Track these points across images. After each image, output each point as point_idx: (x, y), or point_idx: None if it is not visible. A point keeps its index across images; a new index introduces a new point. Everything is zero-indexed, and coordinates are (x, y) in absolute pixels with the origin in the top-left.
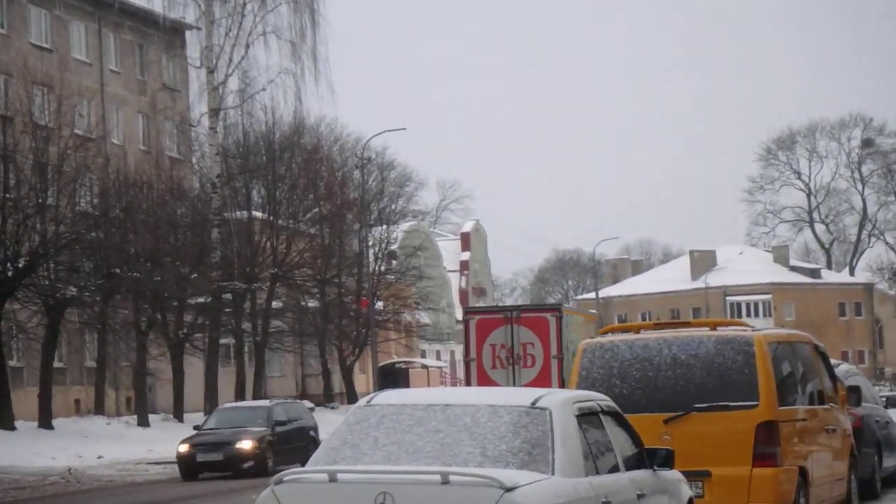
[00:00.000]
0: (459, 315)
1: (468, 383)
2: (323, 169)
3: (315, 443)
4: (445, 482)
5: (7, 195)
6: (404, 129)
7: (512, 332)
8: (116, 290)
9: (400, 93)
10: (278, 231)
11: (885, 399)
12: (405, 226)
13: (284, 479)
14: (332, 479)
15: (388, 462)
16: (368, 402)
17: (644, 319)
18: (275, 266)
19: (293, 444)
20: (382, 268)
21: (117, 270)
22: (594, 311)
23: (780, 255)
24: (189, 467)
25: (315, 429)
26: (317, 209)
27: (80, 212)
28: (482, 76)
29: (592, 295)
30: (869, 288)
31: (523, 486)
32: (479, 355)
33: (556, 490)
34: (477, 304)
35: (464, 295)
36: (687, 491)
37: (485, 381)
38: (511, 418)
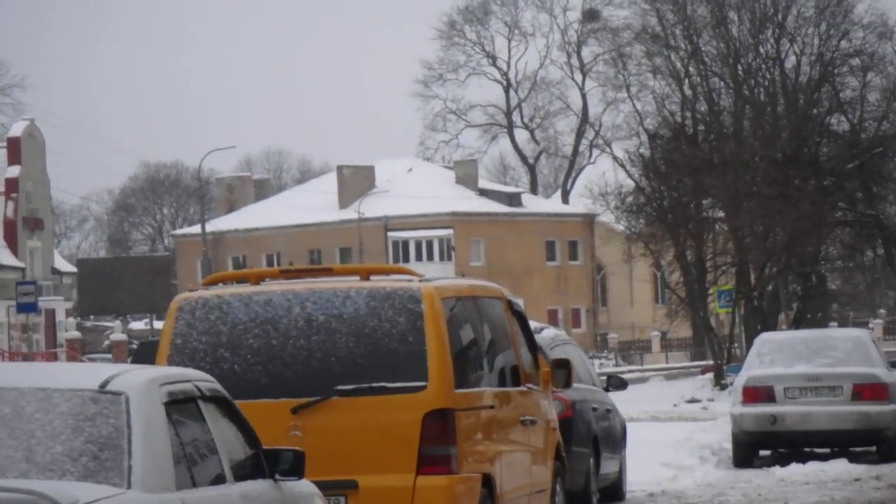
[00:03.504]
0: (3, 258)
1: None
2: None
3: None
4: None
5: None
6: None
7: None
8: None
9: None
10: None
11: (605, 378)
12: None
13: None
14: None
15: None
16: None
17: (271, 264)
18: None
19: None
20: None
21: None
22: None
23: (466, 174)
24: None
25: None
26: None
27: None
28: None
29: (197, 229)
30: (589, 220)
31: None
32: None
33: None
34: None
35: (10, 227)
36: None
37: None
38: (70, 407)
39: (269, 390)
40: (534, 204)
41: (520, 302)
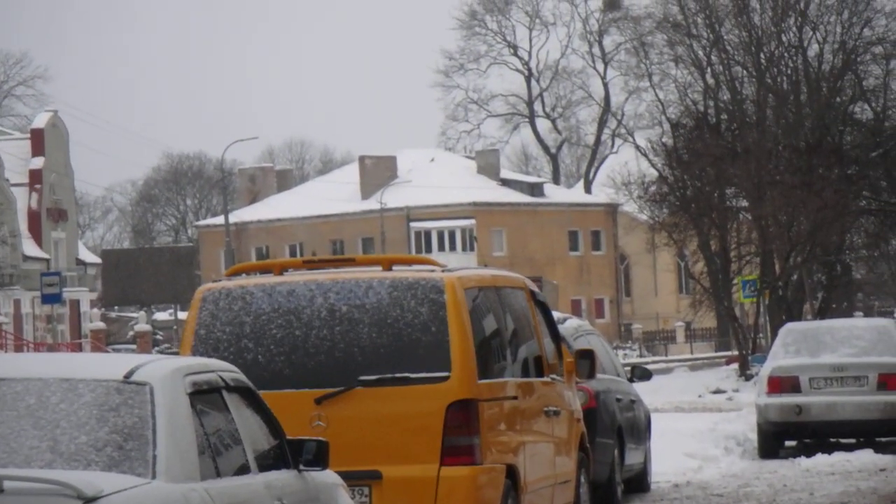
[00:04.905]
0: (27, 248)
1: None
2: None
3: None
4: None
5: None
6: None
7: None
8: None
9: None
10: None
11: (630, 369)
12: None
13: None
14: None
15: None
16: None
17: (294, 254)
18: None
19: None
20: None
21: None
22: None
23: (488, 164)
24: None
25: None
26: None
27: None
28: None
29: (220, 220)
30: (612, 210)
31: (110, 494)
32: None
33: (157, 500)
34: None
35: (34, 218)
36: (346, 500)
37: None
38: (94, 398)
39: (293, 380)
40: (556, 194)
41: (541, 292)
